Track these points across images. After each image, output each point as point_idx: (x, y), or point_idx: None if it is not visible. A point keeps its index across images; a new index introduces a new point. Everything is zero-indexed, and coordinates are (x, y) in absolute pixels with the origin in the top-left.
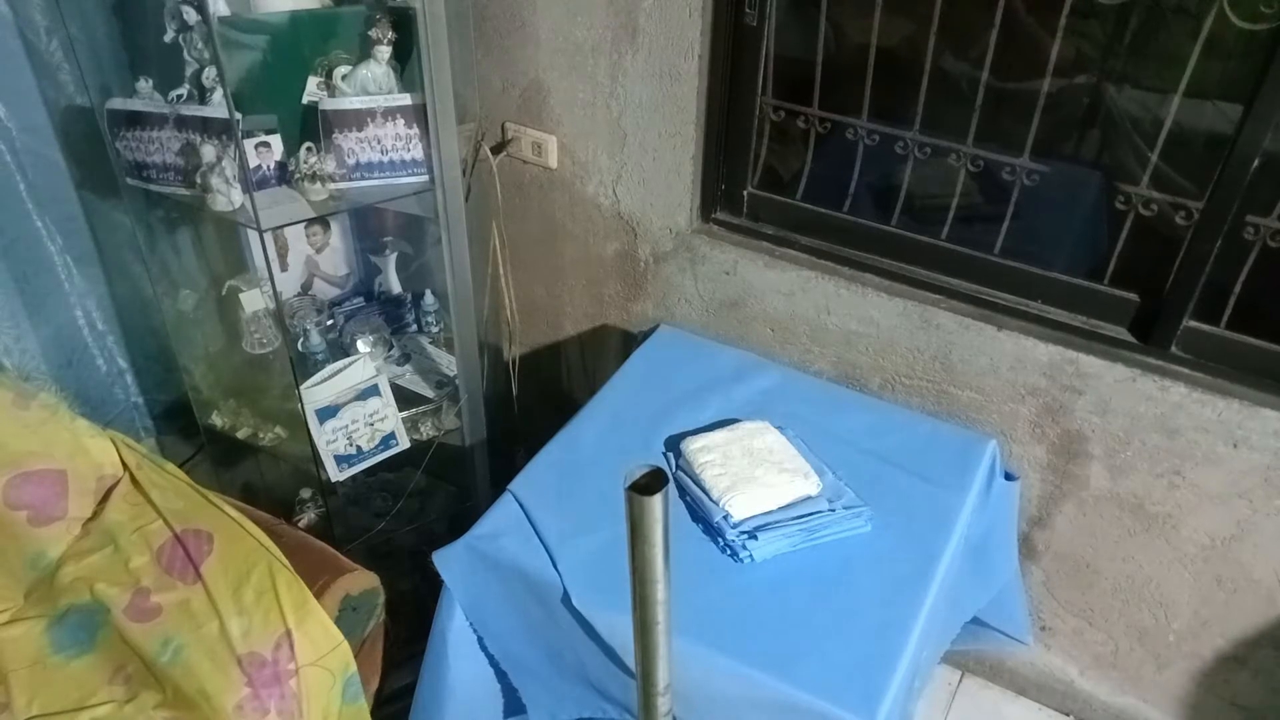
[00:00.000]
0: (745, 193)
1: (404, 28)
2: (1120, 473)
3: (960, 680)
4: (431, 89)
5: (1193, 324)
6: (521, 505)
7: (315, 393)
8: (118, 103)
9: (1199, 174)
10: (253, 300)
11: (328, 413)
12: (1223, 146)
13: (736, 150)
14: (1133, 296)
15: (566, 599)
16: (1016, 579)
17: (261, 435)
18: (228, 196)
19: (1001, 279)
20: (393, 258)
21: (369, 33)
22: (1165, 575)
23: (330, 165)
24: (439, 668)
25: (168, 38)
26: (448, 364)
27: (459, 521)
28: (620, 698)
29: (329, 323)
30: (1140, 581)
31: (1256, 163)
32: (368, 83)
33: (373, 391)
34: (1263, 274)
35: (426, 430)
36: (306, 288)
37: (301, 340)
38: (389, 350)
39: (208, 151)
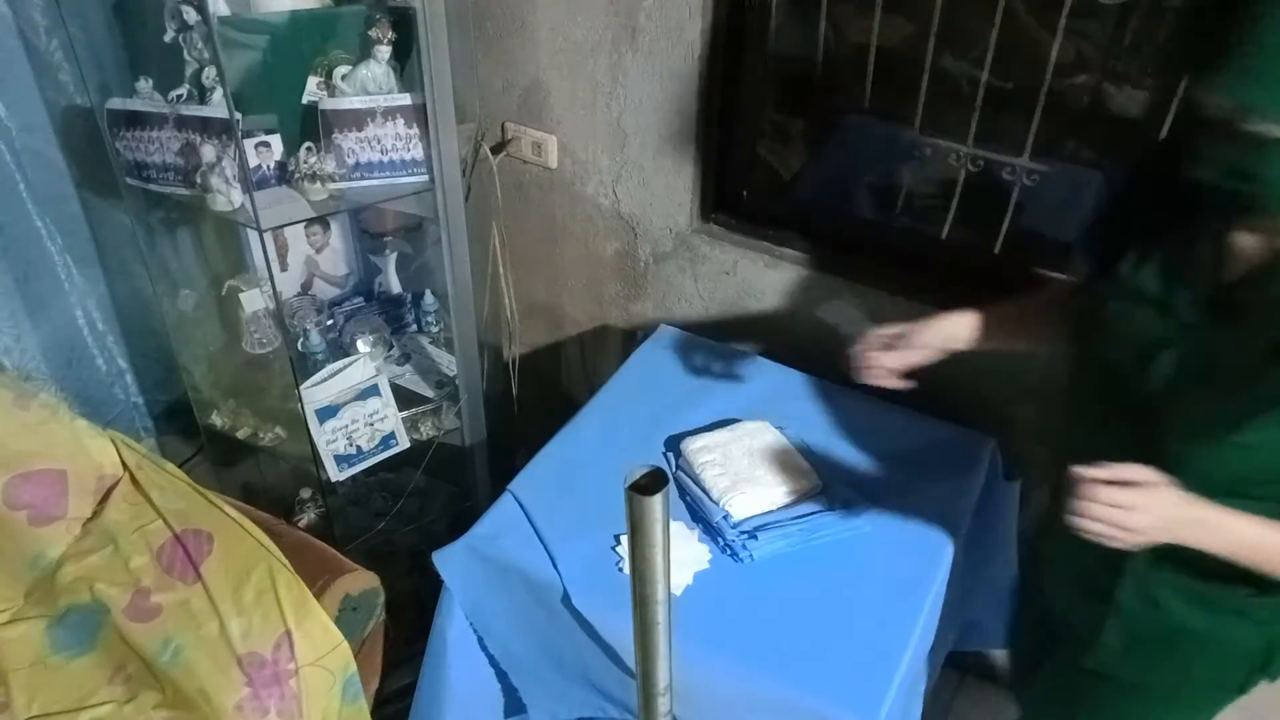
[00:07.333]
0: (745, 192)
1: (404, 27)
2: None
3: (960, 680)
4: (431, 89)
5: None
6: (521, 505)
7: (315, 393)
8: (117, 102)
9: None
10: (253, 300)
11: (328, 413)
12: None
13: (736, 150)
14: None
15: (566, 599)
16: (1017, 579)
17: (261, 435)
18: (228, 196)
19: (1002, 278)
20: (392, 257)
21: (369, 32)
22: None
23: (330, 165)
24: (439, 668)
25: (168, 37)
26: (447, 364)
27: (459, 521)
28: (620, 697)
29: (329, 323)
30: None
31: None
32: (367, 82)
33: (373, 391)
34: None
35: (426, 430)
36: (306, 287)
37: (301, 340)
38: (389, 350)
39: (208, 151)
